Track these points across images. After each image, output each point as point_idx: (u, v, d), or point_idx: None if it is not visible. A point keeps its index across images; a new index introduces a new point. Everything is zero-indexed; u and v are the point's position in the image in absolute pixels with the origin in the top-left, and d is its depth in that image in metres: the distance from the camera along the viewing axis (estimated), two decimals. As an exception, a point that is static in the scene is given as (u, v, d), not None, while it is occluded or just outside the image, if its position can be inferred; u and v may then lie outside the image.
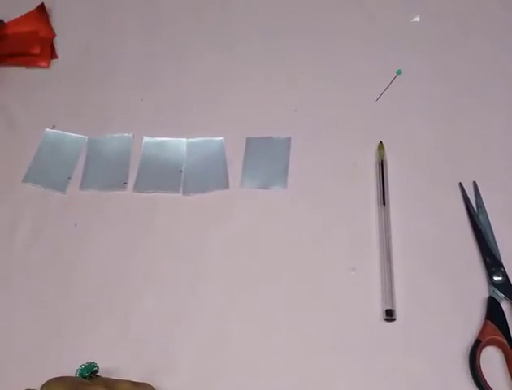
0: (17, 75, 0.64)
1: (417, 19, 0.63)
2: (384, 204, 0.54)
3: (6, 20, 0.64)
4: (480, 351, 0.47)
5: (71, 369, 0.45)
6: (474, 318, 0.49)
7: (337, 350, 0.49)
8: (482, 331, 0.47)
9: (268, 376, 0.48)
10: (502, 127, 0.57)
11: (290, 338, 0.50)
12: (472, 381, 0.46)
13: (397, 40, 0.62)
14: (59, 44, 0.65)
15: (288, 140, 0.58)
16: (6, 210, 0.56)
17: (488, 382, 0.45)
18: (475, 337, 0.47)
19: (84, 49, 0.64)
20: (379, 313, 0.50)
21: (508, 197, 0.54)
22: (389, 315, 0.49)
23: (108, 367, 0.47)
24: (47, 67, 0.63)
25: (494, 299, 0.49)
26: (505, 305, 0.49)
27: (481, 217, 0.53)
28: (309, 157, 0.57)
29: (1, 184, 0.57)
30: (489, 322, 0.48)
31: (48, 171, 0.58)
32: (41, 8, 0.65)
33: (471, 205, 0.53)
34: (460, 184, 0.55)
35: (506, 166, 0.55)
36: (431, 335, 0.48)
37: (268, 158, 0.57)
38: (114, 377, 0.45)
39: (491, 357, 0.47)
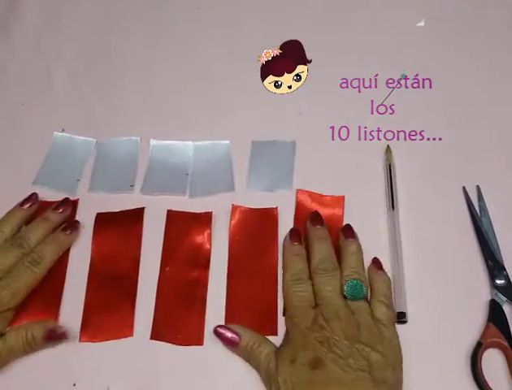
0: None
1: (422, 23, 0.64)
2: (393, 208, 0.54)
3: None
4: (482, 353, 0.47)
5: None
6: (476, 320, 0.49)
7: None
8: (484, 334, 0.48)
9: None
10: (506, 132, 0.58)
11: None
12: (474, 383, 0.47)
13: (402, 43, 0.62)
14: (67, 47, 0.65)
15: (293, 143, 0.59)
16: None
17: (490, 384, 0.46)
18: (477, 340, 0.48)
19: (91, 53, 0.65)
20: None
21: (511, 201, 0.54)
22: (401, 318, 0.49)
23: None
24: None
25: (496, 302, 0.49)
26: (507, 308, 0.49)
27: (484, 220, 0.53)
28: (314, 160, 0.58)
29: (12, 187, 0.58)
30: (491, 324, 0.48)
31: (57, 174, 0.59)
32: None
33: (474, 208, 0.54)
34: (463, 188, 0.55)
35: (509, 171, 0.56)
36: (433, 336, 0.49)
37: (273, 161, 0.58)
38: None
39: (492, 360, 0.48)
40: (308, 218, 0.53)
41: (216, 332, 0.49)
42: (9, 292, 0.49)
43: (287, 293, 0.50)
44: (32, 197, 0.55)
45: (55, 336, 0.49)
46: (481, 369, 0.47)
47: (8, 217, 0.54)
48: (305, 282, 0.49)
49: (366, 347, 0.44)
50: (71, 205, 0.55)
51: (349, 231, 0.52)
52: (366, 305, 0.48)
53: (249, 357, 0.48)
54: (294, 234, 0.52)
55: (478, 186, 0.55)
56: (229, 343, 0.49)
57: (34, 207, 0.55)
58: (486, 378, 0.46)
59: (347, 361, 0.43)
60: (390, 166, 0.56)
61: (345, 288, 0.48)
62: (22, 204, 0.55)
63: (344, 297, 0.48)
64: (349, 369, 0.43)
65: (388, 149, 0.57)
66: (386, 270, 0.51)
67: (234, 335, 0.48)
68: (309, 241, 0.52)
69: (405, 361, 0.47)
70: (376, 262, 0.51)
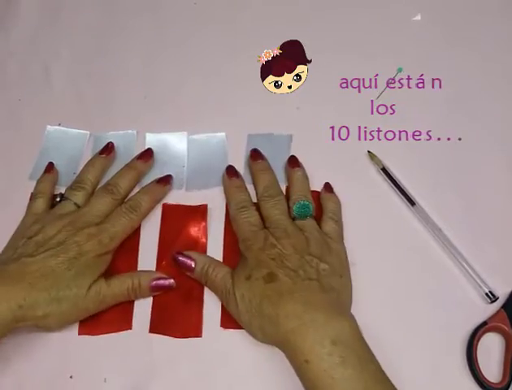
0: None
1: (418, 17, 0.64)
2: (414, 204, 0.54)
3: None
4: (483, 332, 0.48)
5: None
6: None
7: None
8: (492, 316, 0.48)
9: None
10: (507, 131, 0.57)
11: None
12: (465, 357, 0.48)
13: (402, 43, 0.62)
14: (63, 42, 0.65)
15: (290, 137, 0.59)
16: (15, 208, 0.55)
17: (479, 361, 0.47)
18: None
19: (88, 48, 0.65)
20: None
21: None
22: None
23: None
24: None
25: (517, 294, 0.49)
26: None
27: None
28: (310, 155, 0.57)
29: (9, 182, 0.58)
30: (503, 310, 0.49)
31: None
32: None
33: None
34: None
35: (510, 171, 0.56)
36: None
37: (269, 154, 0.57)
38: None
39: (492, 342, 0.48)
40: (249, 158, 0.56)
41: (175, 259, 0.51)
42: (108, 235, 0.51)
43: (235, 222, 0.52)
44: (109, 146, 0.57)
45: (160, 286, 0.51)
46: (476, 346, 0.47)
47: (89, 165, 0.56)
48: (251, 208, 0.52)
49: (315, 258, 0.48)
50: (152, 155, 0.57)
51: (294, 161, 0.55)
52: (314, 222, 0.51)
53: (205, 280, 0.50)
54: (230, 170, 0.55)
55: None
56: (186, 268, 0.51)
57: (112, 155, 0.57)
58: (478, 354, 0.47)
59: (297, 272, 0.47)
60: (384, 168, 0.55)
61: (294, 208, 0.51)
62: (101, 152, 0.57)
63: (293, 219, 0.51)
64: (299, 279, 0.46)
65: (370, 154, 0.56)
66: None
67: (189, 261, 0.51)
68: (252, 176, 0.55)
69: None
70: (327, 186, 0.55)
